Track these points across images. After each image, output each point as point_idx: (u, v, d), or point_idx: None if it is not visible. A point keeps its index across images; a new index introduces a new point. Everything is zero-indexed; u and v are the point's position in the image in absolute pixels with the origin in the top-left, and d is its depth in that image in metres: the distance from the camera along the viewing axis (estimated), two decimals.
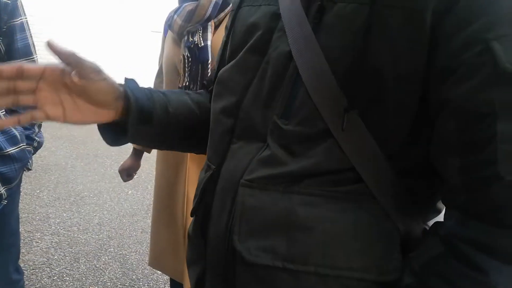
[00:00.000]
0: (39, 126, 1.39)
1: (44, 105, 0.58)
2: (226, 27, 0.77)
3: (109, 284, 2.30)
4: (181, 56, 1.25)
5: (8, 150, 1.24)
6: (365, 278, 0.54)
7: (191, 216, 0.73)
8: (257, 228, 0.57)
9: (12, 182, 1.29)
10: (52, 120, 0.60)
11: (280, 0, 0.61)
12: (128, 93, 0.65)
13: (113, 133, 0.69)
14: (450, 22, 0.48)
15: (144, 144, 0.82)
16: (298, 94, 0.56)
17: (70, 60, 0.57)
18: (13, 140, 1.25)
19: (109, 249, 2.65)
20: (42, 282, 2.25)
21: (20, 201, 1.46)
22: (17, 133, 1.27)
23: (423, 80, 0.50)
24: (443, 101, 0.50)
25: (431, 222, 0.61)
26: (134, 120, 0.65)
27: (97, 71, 0.60)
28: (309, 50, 0.55)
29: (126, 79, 0.69)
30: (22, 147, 1.29)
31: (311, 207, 0.55)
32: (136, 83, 0.70)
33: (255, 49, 0.63)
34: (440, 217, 0.62)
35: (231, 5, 1.26)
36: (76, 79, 0.58)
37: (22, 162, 1.30)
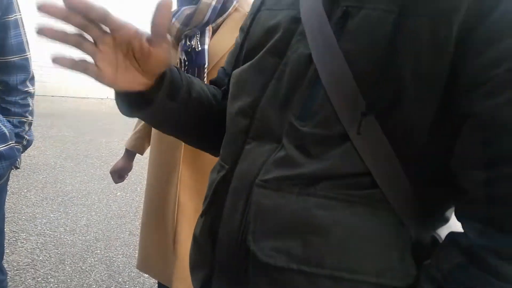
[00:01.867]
0: (30, 125, 1.38)
1: (101, 60, 0.56)
2: (241, 28, 0.77)
3: (94, 286, 2.26)
4: (178, 60, 1.24)
5: None
6: (380, 282, 0.54)
7: (201, 217, 0.71)
8: (272, 229, 0.57)
9: None
10: (101, 80, 0.57)
11: (301, 4, 0.61)
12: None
13: (133, 103, 0.66)
14: (479, 37, 0.48)
15: (155, 120, 0.76)
16: (317, 97, 0.56)
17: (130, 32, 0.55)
18: (2, 138, 1.24)
19: (96, 251, 2.62)
20: (26, 283, 2.21)
21: (6, 200, 1.44)
22: (6, 131, 1.25)
23: (444, 90, 0.51)
24: (468, 113, 0.50)
25: (440, 231, 0.62)
26: (164, 92, 0.64)
27: (165, 38, 0.57)
28: (330, 54, 0.55)
29: None
30: (11, 145, 1.27)
31: (327, 210, 0.55)
32: None
33: (273, 51, 0.63)
34: (448, 226, 0.63)
35: (244, 8, 1.26)
36: (146, 45, 0.56)
37: (10, 160, 1.28)
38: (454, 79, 0.50)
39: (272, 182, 0.58)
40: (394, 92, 0.52)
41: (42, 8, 0.49)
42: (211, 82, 0.85)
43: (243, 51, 0.71)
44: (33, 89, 1.36)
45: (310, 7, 0.60)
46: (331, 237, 0.54)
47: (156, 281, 1.60)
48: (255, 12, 0.71)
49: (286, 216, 0.56)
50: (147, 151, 1.60)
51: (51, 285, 2.22)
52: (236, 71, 0.70)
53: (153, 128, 1.46)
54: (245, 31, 0.72)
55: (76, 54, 0.54)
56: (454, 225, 0.63)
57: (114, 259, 2.56)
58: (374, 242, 0.55)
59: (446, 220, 0.64)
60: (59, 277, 2.29)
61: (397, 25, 0.51)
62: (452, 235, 0.56)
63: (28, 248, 2.55)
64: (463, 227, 0.55)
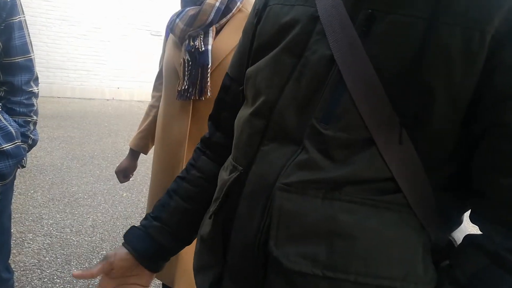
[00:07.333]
0: (34, 124, 1.39)
1: None
2: (245, 30, 0.75)
3: None
4: (182, 60, 1.25)
5: (3, 146, 1.23)
6: (404, 287, 0.54)
7: (209, 219, 0.69)
8: (296, 234, 0.56)
9: (6, 179, 1.28)
10: None
11: (318, 2, 0.59)
12: (130, 251, 0.76)
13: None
14: (511, 50, 0.49)
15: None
16: (341, 100, 0.55)
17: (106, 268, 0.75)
18: (8, 137, 1.25)
19: (102, 252, 2.62)
20: (32, 284, 2.22)
21: (13, 201, 1.45)
22: (12, 130, 1.26)
23: (470, 100, 0.51)
24: (497, 124, 0.50)
25: (453, 234, 0.63)
26: (151, 267, 0.78)
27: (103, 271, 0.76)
28: (355, 57, 0.54)
29: (125, 235, 0.80)
30: (17, 143, 1.28)
31: (352, 215, 0.54)
32: (134, 229, 0.80)
33: (289, 50, 0.61)
34: (460, 229, 0.64)
35: (242, 4, 1.24)
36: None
37: (17, 159, 1.29)
38: (481, 91, 0.50)
39: (295, 186, 0.56)
40: (423, 101, 0.51)
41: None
42: (219, 100, 0.81)
43: (252, 51, 0.68)
44: (37, 89, 1.37)
45: (329, 5, 0.58)
46: (357, 242, 0.53)
47: (161, 282, 1.60)
48: (263, 7, 0.68)
49: (311, 221, 0.55)
50: (151, 151, 1.60)
51: (57, 285, 2.23)
52: (251, 71, 0.67)
53: (157, 127, 1.47)
54: (253, 28, 0.69)
55: None
56: (465, 227, 0.65)
57: None
58: (399, 247, 0.54)
59: (460, 223, 0.64)
60: (65, 278, 2.30)
61: (428, 33, 0.50)
62: (471, 238, 0.56)
63: (35, 248, 2.56)
64: (483, 230, 0.55)
